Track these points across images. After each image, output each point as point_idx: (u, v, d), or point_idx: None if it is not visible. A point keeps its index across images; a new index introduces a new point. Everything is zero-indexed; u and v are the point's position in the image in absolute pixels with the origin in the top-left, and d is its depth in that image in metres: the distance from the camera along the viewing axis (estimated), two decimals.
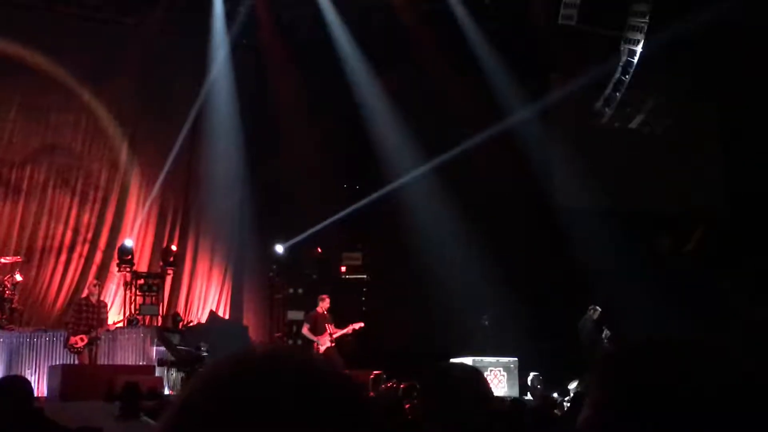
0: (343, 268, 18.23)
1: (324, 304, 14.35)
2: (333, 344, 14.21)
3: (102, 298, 14.00)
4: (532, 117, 16.27)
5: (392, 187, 16.95)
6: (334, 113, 17.47)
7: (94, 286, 13.71)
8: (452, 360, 10.99)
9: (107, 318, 13.50)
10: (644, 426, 0.97)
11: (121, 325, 14.70)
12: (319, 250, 18.29)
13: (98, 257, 16.68)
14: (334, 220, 17.20)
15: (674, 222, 16.73)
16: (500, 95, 16.30)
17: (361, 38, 17.05)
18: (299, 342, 15.71)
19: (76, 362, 13.05)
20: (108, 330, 13.54)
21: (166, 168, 16.86)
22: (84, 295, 13.92)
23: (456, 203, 16.18)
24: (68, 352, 13.09)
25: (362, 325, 14.69)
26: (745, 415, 0.94)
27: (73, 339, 12.94)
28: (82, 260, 16.55)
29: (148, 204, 17.16)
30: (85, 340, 12.91)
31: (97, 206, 16.87)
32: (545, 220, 16.38)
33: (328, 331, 14.16)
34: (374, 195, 17.10)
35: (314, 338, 14.13)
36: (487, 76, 16.45)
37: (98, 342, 13.15)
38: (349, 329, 14.52)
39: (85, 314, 13.09)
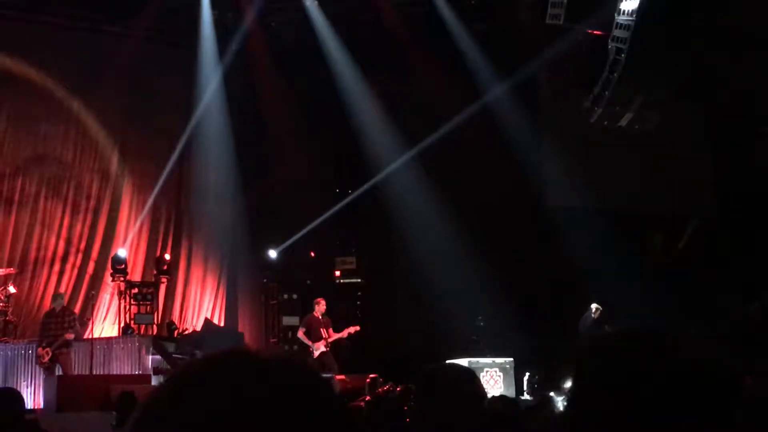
0: (338, 273, 18.22)
1: (320, 308, 14.37)
2: (328, 349, 14.21)
3: (87, 307, 13.87)
4: (521, 117, 16.31)
5: (384, 190, 16.96)
6: (324, 117, 17.47)
7: (60, 296, 13.67)
8: (448, 361, 10.99)
9: (75, 324, 13.29)
10: (607, 419, 1.00)
11: (115, 334, 14.67)
12: (313, 254, 18.29)
13: (91, 267, 16.66)
14: (327, 223, 17.21)
15: (665, 220, 16.77)
16: (489, 96, 16.33)
17: (350, 42, 17.07)
18: (295, 347, 15.73)
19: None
20: (71, 340, 13.08)
21: (161, 178, 16.85)
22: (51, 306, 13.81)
23: (448, 205, 16.19)
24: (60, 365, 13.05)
25: (358, 328, 14.69)
26: (698, 408, 0.97)
27: (40, 352, 12.92)
28: (76, 270, 16.52)
29: (142, 214, 17.15)
30: (50, 354, 12.83)
31: (89, 216, 16.85)
32: (537, 220, 16.40)
33: (324, 335, 14.17)
34: (366, 198, 17.12)
35: (309, 343, 14.16)
36: (475, 77, 16.48)
37: (67, 348, 12.99)
38: (344, 333, 14.52)
39: (47, 325, 13.03)
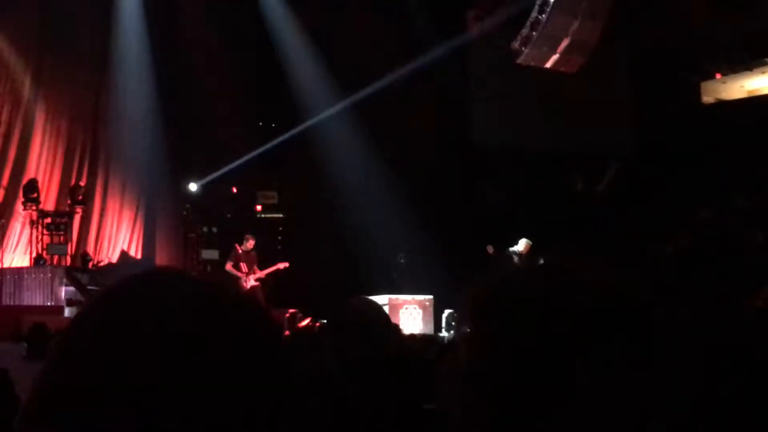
0: (259, 207, 18.05)
1: (248, 244, 14.21)
2: (258, 283, 14.06)
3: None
4: (449, 56, 16.22)
5: (308, 124, 16.78)
6: (249, 49, 17.09)
7: None
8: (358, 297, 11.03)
9: None
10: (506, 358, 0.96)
11: (26, 264, 14.33)
12: (234, 189, 18.06)
13: (1, 195, 16.05)
14: (250, 158, 16.96)
15: (587, 161, 17.04)
16: (417, 34, 16.18)
17: None
18: None
19: None
20: None
21: (74, 103, 16.28)
22: None
23: (373, 142, 16.12)
24: None
25: (287, 264, 14.59)
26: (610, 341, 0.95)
27: None
28: None
29: (56, 141, 16.57)
30: None
31: None
32: (462, 159, 16.48)
33: (252, 271, 14.01)
34: (290, 132, 16.91)
35: (239, 274, 13.99)
36: (404, 14, 16.29)
37: None
38: (273, 269, 14.39)
39: None
